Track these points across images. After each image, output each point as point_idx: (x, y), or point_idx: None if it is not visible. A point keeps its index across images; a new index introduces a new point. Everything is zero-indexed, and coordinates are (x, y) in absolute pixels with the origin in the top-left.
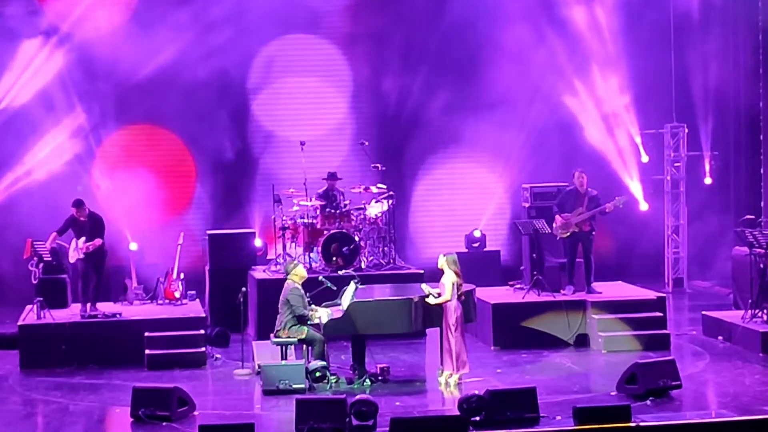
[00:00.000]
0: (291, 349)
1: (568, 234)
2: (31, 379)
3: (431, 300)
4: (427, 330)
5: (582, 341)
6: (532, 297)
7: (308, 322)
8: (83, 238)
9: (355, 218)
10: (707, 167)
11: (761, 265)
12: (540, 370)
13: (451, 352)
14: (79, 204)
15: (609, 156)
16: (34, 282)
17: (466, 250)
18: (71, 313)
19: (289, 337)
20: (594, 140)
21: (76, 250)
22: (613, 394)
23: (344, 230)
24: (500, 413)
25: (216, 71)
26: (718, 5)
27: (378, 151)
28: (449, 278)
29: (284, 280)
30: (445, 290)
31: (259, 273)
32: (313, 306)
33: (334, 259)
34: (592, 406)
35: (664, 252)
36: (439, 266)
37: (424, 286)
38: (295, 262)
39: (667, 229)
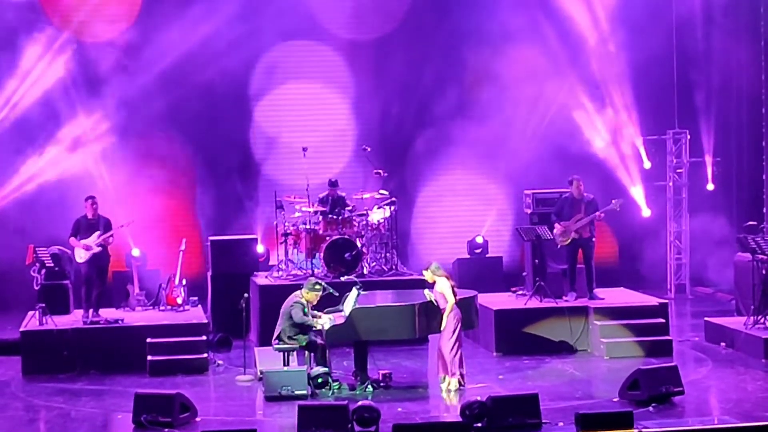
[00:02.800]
0: (293, 356)
1: (569, 241)
2: (33, 385)
3: (447, 309)
4: (430, 336)
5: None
6: (535, 303)
7: (310, 330)
8: (97, 233)
9: (357, 224)
10: (709, 173)
11: (764, 272)
12: (542, 377)
13: (446, 356)
14: (93, 198)
15: (611, 162)
16: (36, 288)
17: (469, 256)
18: (73, 319)
19: (288, 344)
20: (596, 146)
21: (88, 248)
22: (615, 400)
23: (346, 236)
24: (502, 419)
25: (219, 77)
26: (720, 12)
27: (380, 156)
28: (446, 284)
29: (287, 286)
30: (447, 295)
31: (261, 279)
32: (315, 312)
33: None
34: (594, 412)
35: (667, 258)
36: (429, 280)
37: (426, 291)
38: (317, 286)
39: (670, 235)
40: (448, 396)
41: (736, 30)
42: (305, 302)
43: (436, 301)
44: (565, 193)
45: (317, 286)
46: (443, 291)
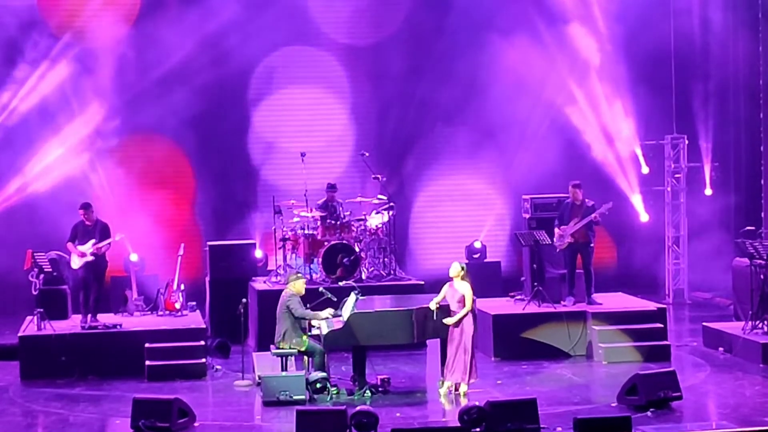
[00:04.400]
0: (291, 361)
1: (566, 245)
2: (31, 390)
3: (451, 320)
4: (428, 341)
5: (587, 353)
6: (533, 308)
7: (308, 332)
8: (92, 241)
9: (355, 229)
10: (707, 178)
11: (761, 276)
12: (540, 382)
13: (467, 362)
14: (87, 206)
15: (609, 167)
16: (35, 293)
17: (467, 261)
18: (71, 324)
19: (289, 348)
20: (594, 151)
21: (82, 255)
22: (613, 405)
23: (345, 241)
24: (501, 424)
25: (217, 82)
26: (718, 17)
27: (378, 162)
28: (468, 289)
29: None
30: (467, 301)
31: (259, 284)
32: (317, 312)
33: (337, 270)
34: (592, 417)
35: (665, 263)
36: (453, 275)
37: (437, 299)
38: (299, 274)
39: (668, 240)
40: (448, 400)
41: (734, 34)
42: (297, 295)
43: (439, 304)
44: (566, 198)
45: (299, 275)
46: (465, 294)
